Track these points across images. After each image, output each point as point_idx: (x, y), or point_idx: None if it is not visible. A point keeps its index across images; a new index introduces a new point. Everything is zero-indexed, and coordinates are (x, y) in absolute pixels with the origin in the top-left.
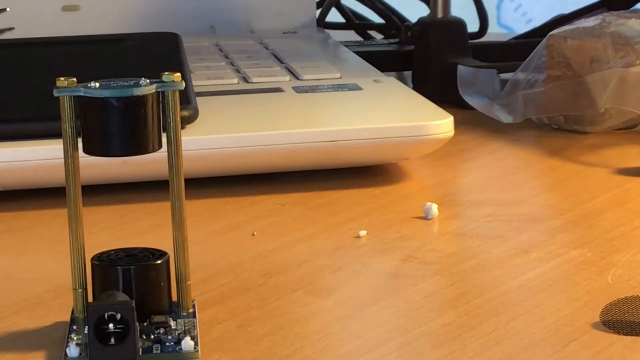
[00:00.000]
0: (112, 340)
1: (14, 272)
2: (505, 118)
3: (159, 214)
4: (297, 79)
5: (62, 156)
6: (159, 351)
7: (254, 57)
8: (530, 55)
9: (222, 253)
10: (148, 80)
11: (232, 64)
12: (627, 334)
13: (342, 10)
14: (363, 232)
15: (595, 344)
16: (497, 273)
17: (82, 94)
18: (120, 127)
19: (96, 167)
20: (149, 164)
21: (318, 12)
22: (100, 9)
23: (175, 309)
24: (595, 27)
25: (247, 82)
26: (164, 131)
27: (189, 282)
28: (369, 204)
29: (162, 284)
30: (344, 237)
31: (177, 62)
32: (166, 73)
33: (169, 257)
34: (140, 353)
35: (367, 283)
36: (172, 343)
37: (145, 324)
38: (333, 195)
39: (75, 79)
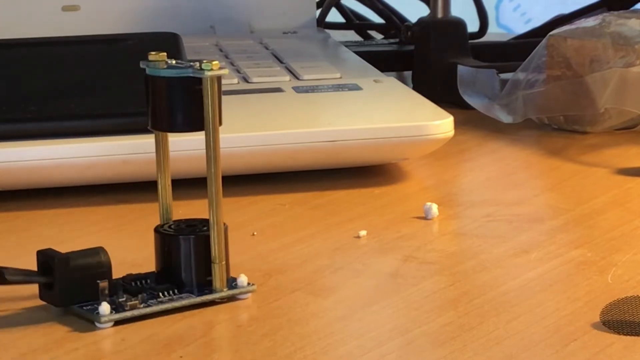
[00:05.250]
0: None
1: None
2: (505, 118)
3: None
4: (297, 79)
5: (62, 156)
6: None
7: (254, 57)
8: (530, 55)
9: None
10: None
11: (232, 64)
12: (627, 334)
13: (342, 10)
14: (363, 232)
15: (595, 344)
16: (497, 273)
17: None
18: (183, 105)
19: (96, 167)
20: (149, 164)
21: (318, 12)
22: (100, 9)
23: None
24: (595, 27)
25: (247, 82)
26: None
27: (223, 262)
28: (369, 204)
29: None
30: (344, 237)
31: None
32: (205, 61)
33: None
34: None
35: (367, 283)
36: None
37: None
38: (333, 195)
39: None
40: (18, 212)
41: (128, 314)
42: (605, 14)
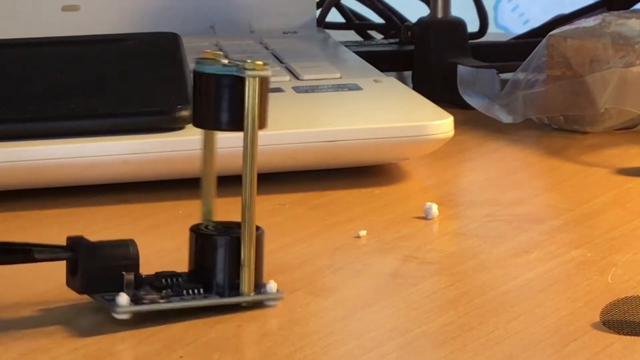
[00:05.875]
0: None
1: (15, 272)
2: (505, 118)
3: (159, 214)
4: (297, 79)
5: (62, 156)
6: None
7: (254, 57)
8: (530, 55)
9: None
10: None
11: None
12: (627, 334)
13: (342, 10)
14: (363, 232)
15: (595, 344)
16: (497, 273)
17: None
18: (224, 103)
19: (96, 167)
20: (149, 164)
21: (318, 12)
22: (100, 9)
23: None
24: (595, 27)
25: None
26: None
27: (252, 267)
28: (369, 204)
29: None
30: (344, 237)
31: (177, 62)
32: (249, 60)
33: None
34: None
35: (367, 283)
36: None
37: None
38: (333, 195)
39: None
40: (18, 212)
41: (146, 307)
42: (605, 14)
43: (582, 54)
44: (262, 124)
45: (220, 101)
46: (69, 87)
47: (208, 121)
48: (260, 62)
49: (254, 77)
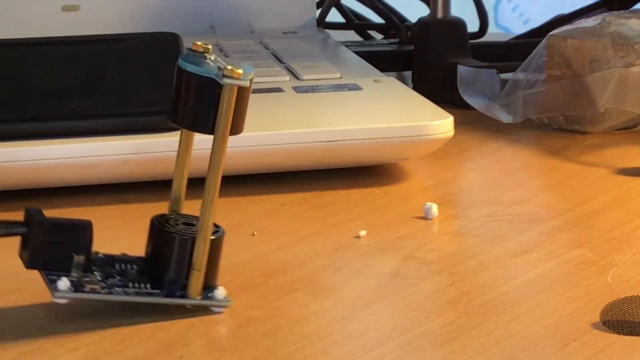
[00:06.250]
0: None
1: (15, 272)
2: (505, 118)
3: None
4: (297, 79)
5: (62, 156)
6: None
7: (254, 57)
8: (530, 55)
9: (222, 253)
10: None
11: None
12: (627, 334)
13: (342, 10)
14: (363, 232)
15: (595, 344)
16: (497, 273)
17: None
18: (198, 104)
19: (96, 167)
20: (149, 164)
21: (318, 12)
22: (100, 9)
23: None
24: (595, 27)
25: None
26: None
27: (202, 270)
28: (369, 204)
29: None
30: (344, 237)
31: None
32: (230, 67)
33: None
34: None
35: (367, 283)
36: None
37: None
38: (333, 195)
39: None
40: (18, 212)
41: (85, 295)
42: (605, 14)
43: (582, 54)
44: (235, 130)
45: (194, 101)
46: (69, 87)
47: (181, 119)
48: (240, 71)
49: (230, 85)
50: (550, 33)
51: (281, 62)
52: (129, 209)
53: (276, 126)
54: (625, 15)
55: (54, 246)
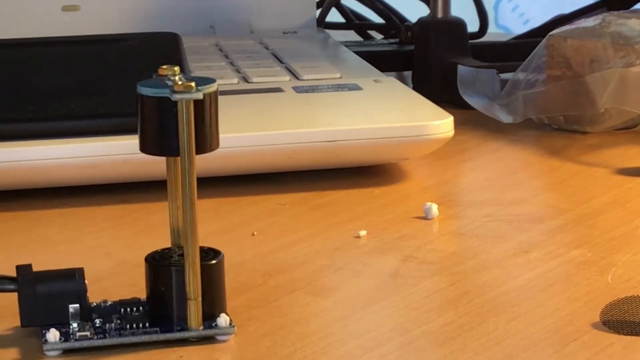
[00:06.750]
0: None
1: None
2: (505, 118)
3: (159, 214)
4: (297, 79)
5: (62, 156)
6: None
7: (254, 57)
8: (530, 55)
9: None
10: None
11: (232, 64)
12: (627, 334)
13: (342, 10)
14: (363, 232)
15: (595, 344)
16: (497, 273)
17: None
18: (159, 128)
19: (96, 167)
20: (149, 164)
21: (318, 12)
22: (100, 9)
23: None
24: (595, 27)
25: (247, 82)
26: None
27: (198, 299)
28: (369, 204)
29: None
30: (344, 237)
31: (177, 62)
32: (180, 82)
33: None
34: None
35: (367, 283)
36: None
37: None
38: (333, 195)
39: (176, 69)
40: (18, 212)
41: (77, 344)
42: (605, 14)
43: (582, 54)
44: (204, 148)
45: (155, 124)
46: (69, 87)
47: (149, 146)
48: (191, 84)
49: (183, 100)
50: (550, 33)
51: (281, 62)
52: (129, 209)
53: (276, 126)
54: (625, 15)
55: (46, 300)
